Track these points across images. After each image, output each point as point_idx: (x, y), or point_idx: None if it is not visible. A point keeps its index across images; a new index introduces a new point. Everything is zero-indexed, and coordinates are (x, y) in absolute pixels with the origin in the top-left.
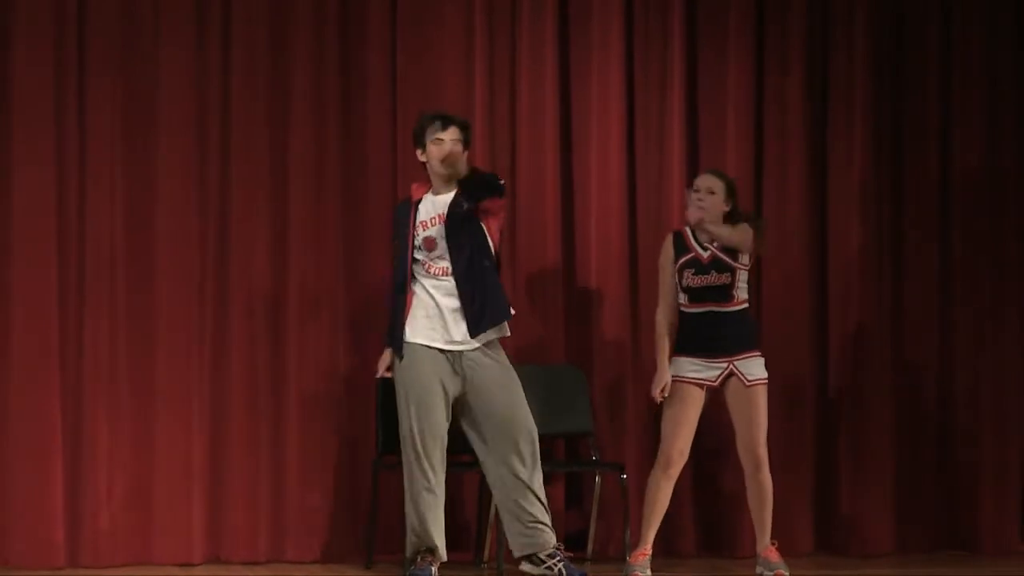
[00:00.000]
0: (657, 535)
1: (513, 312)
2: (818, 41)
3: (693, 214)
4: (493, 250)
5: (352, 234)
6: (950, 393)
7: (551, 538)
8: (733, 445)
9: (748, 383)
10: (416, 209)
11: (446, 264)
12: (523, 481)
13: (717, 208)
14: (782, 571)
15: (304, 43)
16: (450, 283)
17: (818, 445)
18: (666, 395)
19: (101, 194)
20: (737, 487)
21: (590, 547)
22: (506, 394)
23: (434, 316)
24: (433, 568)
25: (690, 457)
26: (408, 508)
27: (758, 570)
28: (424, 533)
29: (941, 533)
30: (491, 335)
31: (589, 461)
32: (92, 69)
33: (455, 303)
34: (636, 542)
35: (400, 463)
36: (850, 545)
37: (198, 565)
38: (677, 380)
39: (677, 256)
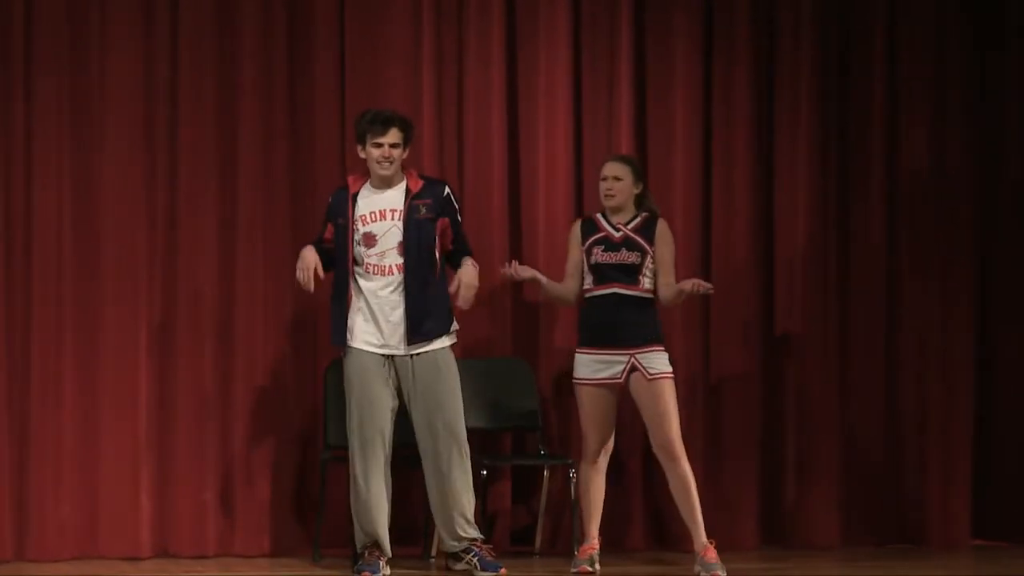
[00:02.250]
0: (606, 530)
1: (457, 327)
2: (764, 37)
3: (607, 202)
4: (438, 257)
5: (300, 231)
6: (897, 388)
7: (469, 535)
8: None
9: (650, 376)
10: (354, 202)
11: (386, 263)
12: (449, 482)
13: (626, 193)
14: (719, 572)
15: (252, 40)
16: (385, 283)
17: (764, 439)
18: (517, 273)
19: (48, 194)
20: None
21: (538, 542)
22: (437, 399)
23: (370, 320)
24: (381, 562)
25: (639, 452)
26: (352, 504)
27: (696, 569)
28: (369, 527)
29: (888, 527)
30: (432, 343)
31: (537, 455)
32: (38, 69)
33: (389, 307)
34: (582, 537)
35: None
36: (796, 539)
37: (146, 559)
38: (579, 384)
39: (585, 237)
